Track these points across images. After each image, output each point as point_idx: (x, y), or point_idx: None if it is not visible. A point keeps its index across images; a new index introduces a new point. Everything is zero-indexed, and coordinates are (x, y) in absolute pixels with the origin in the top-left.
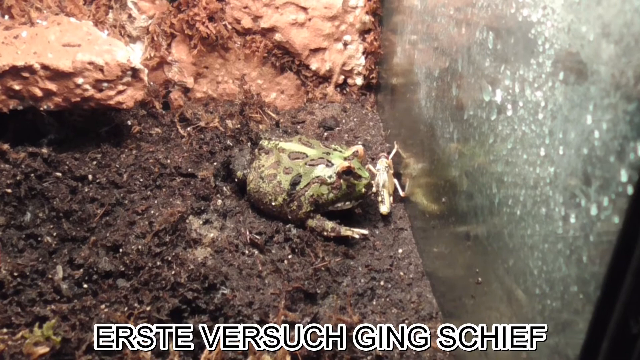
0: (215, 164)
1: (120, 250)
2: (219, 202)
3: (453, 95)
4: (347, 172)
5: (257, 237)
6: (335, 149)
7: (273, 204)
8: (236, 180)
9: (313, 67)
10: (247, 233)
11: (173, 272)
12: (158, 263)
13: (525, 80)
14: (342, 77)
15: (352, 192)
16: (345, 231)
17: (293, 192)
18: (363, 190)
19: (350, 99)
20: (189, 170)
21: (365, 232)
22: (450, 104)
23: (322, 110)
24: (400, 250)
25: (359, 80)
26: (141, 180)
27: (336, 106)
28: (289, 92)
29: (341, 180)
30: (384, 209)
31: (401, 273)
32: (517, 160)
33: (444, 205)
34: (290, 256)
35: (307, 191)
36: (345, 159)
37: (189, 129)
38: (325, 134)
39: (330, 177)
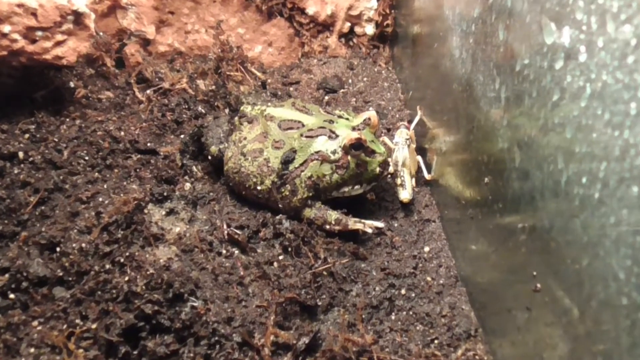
0: (182, 136)
1: (59, 249)
2: (187, 186)
3: (500, 40)
4: (357, 146)
5: (238, 232)
6: (340, 116)
7: (259, 188)
8: (210, 157)
9: (310, 11)
10: (225, 227)
11: (127, 279)
12: (107, 266)
13: (607, 11)
14: (348, 24)
15: (363, 172)
16: (353, 224)
17: (285, 172)
18: (377, 170)
19: (359, 53)
20: (149, 145)
21: (380, 224)
22: (496, 53)
23: (322, 67)
24: (426, 249)
25: (370, 29)
26: (87, 158)
27: (340, 62)
28: (279, 44)
29: (349, 157)
30: (404, 194)
31: (428, 278)
32: (594, 122)
33: (487, 188)
34: (281, 257)
35: (303, 171)
36: (353, 128)
37: (148, 92)
38: (327, 97)
39: (334, 152)
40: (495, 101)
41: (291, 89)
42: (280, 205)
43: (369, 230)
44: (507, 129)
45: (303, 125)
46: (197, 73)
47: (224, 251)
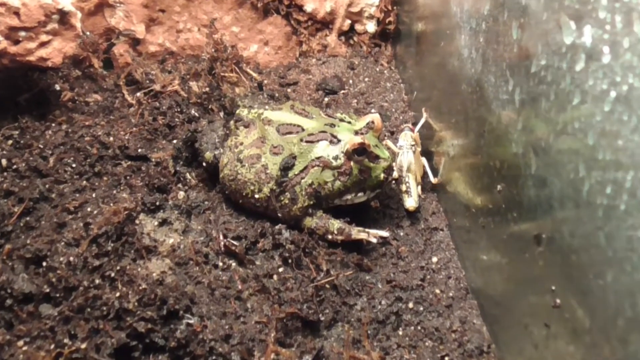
0: (175, 142)
1: (45, 263)
2: (181, 194)
3: (513, 39)
4: (360, 152)
5: (235, 243)
6: (342, 120)
7: (256, 196)
8: (204, 164)
9: (308, 8)
10: (221, 238)
11: (118, 294)
12: (97, 281)
13: (634, 9)
14: (348, 22)
15: (367, 178)
16: (357, 233)
17: (284, 179)
18: (381, 176)
19: (360, 52)
20: (140, 151)
21: (385, 234)
22: (509, 52)
23: (322, 67)
24: (434, 259)
25: (371, 27)
26: (74, 165)
27: (340, 61)
28: (276, 43)
29: (351, 163)
30: (410, 202)
31: (437, 290)
32: (619, 128)
33: (500, 195)
34: (281, 269)
35: (303, 178)
36: (356, 132)
37: (139, 94)
38: (327, 99)
39: (336, 158)
40: (508, 103)
41: (289, 90)
42: (279, 214)
43: (374, 240)
44: (522, 133)
45: (303, 130)
46: (189, 74)
47: (221, 264)
